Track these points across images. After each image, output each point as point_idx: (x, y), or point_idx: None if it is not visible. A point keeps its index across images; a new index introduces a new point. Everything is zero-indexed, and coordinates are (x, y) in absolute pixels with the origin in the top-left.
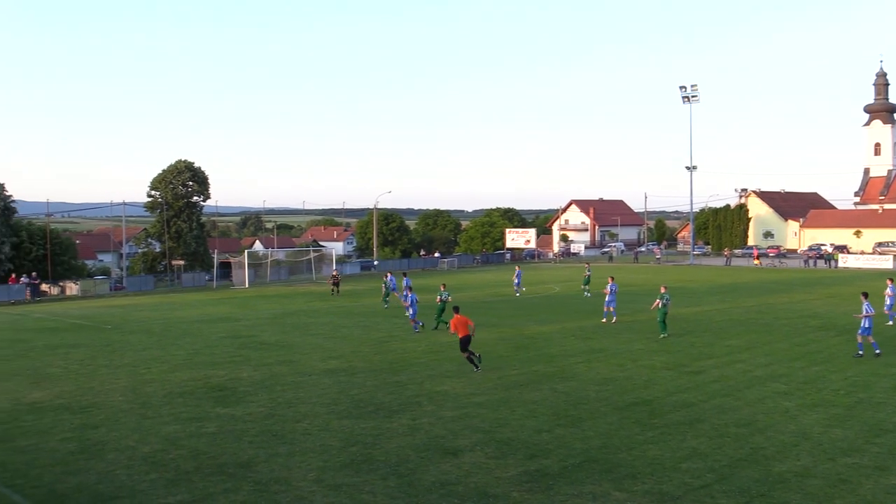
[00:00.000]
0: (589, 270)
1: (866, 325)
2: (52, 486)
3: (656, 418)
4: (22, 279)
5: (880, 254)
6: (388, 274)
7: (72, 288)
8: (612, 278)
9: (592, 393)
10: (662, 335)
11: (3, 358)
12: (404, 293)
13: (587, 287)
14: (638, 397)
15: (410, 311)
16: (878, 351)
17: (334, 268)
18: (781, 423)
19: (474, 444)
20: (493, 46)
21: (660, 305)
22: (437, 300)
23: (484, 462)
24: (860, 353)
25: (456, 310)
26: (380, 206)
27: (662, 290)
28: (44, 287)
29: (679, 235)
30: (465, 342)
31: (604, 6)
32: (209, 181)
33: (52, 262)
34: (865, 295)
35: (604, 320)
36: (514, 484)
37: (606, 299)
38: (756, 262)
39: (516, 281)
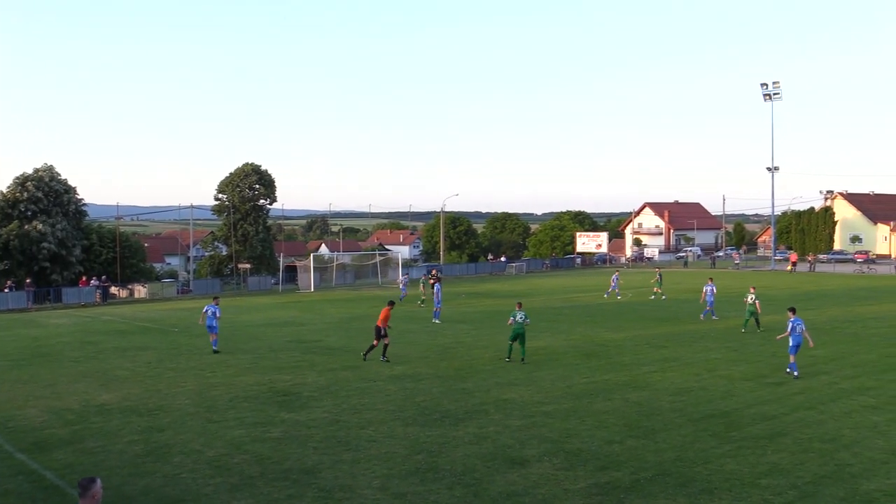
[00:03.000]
0: (659, 274)
1: (791, 343)
2: (119, 489)
3: (734, 431)
4: (92, 282)
5: None
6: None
7: (140, 291)
8: (711, 279)
9: (666, 403)
10: (742, 330)
11: (73, 360)
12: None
13: (660, 290)
14: (715, 409)
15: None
16: (795, 373)
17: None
18: (869, 439)
19: (542, 454)
20: (565, 48)
21: (748, 303)
22: (510, 322)
23: (552, 473)
24: (795, 374)
25: (390, 304)
26: (447, 209)
27: (752, 291)
28: (113, 290)
29: (759, 240)
30: (379, 332)
31: (683, 2)
32: (276, 184)
33: (121, 265)
34: (792, 310)
35: (706, 317)
36: (583, 496)
37: (708, 299)
38: (789, 268)
39: (613, 285)
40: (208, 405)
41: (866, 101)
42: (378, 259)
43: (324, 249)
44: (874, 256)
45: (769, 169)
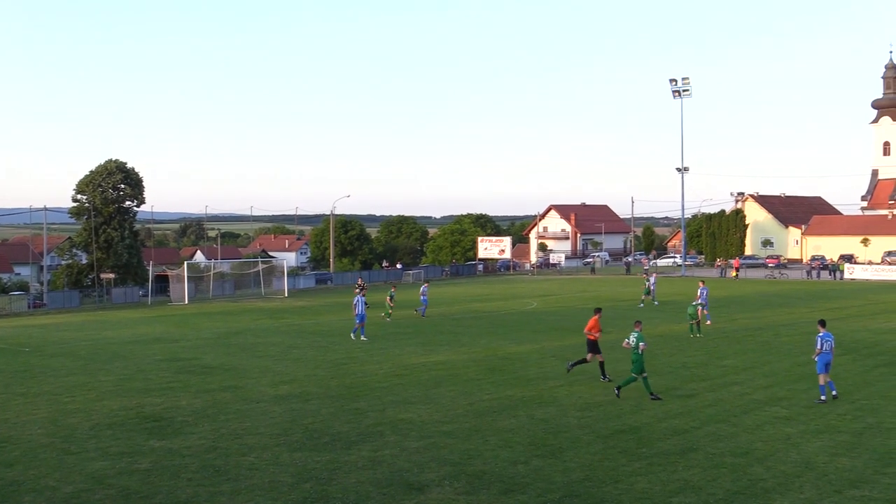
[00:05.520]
0: (652, 279)
1: (820, 363)
2: None
3: (644, 447)
4: None
5: (889, 264)
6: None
7: None
8: (703, 282)
9: (574, 420)
10: (698, 335)
11: None
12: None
13: (649, 297)
14: (624, 424)
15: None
16: (833, 393)
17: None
18: (782, 452)
19: (442, 477)
20: (459, 40)
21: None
22: (625, 344)
23: (453, 498)
24: (822, 398)
25: (597, 311)
26: (337, 212)
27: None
28: None
29: (669, 244)
30: (594, 346)
31: None
32: (143, 184)
33: None
34: (822, 323)
35: (708, 323)
36: None
37: (700, 302)
38: (734, 274)
39: (651, 287)
40: (65, 434)
41: (775, 102)
42: (261, 267)
43: (199, 257)
44: (785, 261)
45: (679, 169)
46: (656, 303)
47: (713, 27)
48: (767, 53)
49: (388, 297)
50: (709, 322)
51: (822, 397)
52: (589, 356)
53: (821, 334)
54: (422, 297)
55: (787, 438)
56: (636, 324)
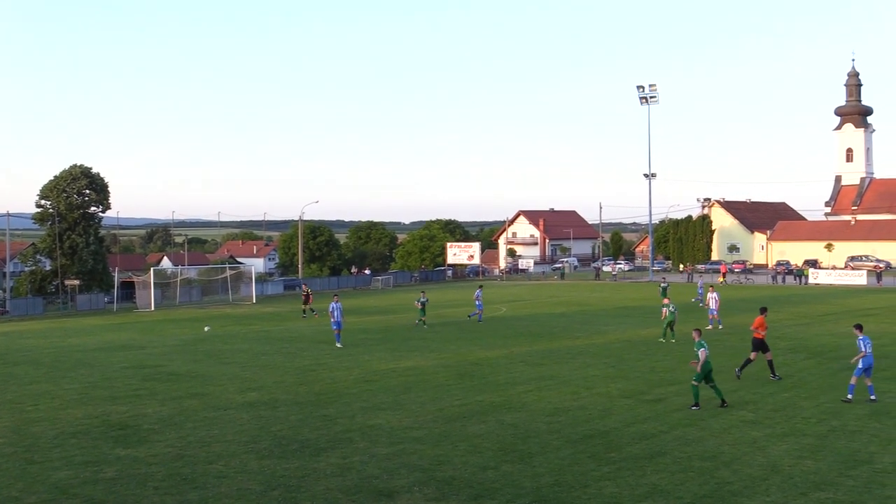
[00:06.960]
0: (664, 283)
1: (860, 366)
2: None
3: (613, 452)
4: None
5: (853, 269)
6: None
7: None
8: (713, 287)
9: (543, 425)
10: (661, 340)
11: None
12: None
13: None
14: (593, 429)
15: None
16: (872, 397)
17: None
18: (749, 455)
19: (412, 484)
20: (427, 48)
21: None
22: (702, 358)
23: None
24: (849, 396)
25: (763, 311)
26: (306, 217)
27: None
28: None
29: (637, 249)
30: (761, 344)
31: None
32: (109, 189)
33: None
34: (859, 327)
35: (709, 327)
36: None
37: (711, 307)
38: (721, 279)
39: (700, 291)
40: (28, 444)
41: (741, 108)
42: (228, 273)
43: (166, 263)
44: (751, 266)
45: (646, 175)
46: (701, 304)
47: (681, 34)
48: (733, 60)
49: (418, 303)
50: (720, 326)
51: (850, 396)
52: (753, 355)
53: (861, 338)
54: (476, 303)
55: (753, 442)
56: (697, 332)
